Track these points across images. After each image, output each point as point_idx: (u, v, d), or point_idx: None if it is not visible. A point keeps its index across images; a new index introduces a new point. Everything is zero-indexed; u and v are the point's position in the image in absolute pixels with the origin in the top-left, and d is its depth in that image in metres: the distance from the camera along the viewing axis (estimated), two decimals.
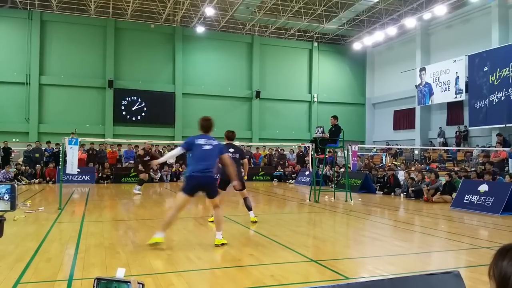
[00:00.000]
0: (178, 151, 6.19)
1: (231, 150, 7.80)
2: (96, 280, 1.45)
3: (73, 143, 10.25)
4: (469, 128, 21.47)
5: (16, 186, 2.27)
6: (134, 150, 20.08)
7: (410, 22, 22.83)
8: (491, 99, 19.81)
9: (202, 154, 5.79)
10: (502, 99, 19.25)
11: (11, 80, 22.70)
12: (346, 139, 12.68)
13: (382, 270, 4.85)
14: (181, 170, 20.25)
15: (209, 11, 22.57)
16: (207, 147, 5.83)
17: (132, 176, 18.73)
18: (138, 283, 1.43)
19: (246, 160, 8.28)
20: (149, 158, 14.32)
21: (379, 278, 4.12)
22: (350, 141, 19.41)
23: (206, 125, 6.01)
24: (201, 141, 5.85)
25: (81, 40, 24.09)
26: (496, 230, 7.87)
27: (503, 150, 15.95)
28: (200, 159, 5.79)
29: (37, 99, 22.98)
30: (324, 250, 6.04)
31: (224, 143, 7.79)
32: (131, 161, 19.75)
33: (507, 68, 18.99)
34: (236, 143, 24.82)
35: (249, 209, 8.11)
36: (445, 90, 22.66)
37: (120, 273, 1.46)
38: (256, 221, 7.99)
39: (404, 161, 21.68)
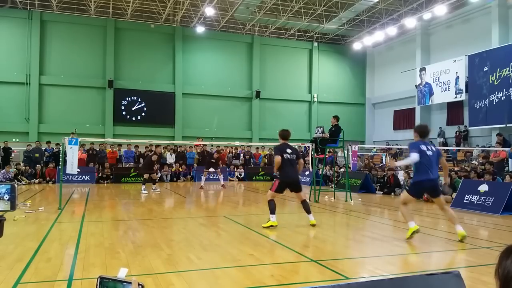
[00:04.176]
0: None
1: (289, 150, 7.54)
2: (99, 279, 1.45)
3: (73, 143, 10.25)
4: (469, 128, 21.47)
5: (16, 186, 2.27)
6: (134, 150, 20.11)
7: (410, 22, 22.83)
8: (491, 99, 19.81)
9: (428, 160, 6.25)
10: (503, 99, 19.25)
11: (11, 80, 22.72)
12: (346, 139, 12.68)
13: (382, 270, 4.85)
14: (180, 170, 20.27)
15: (209, 11, 22.57)
16: (429, 152, 6.27)
17: (132, 176, 18.75)
18: (139, 284, 1.43)
19: (301, 161, 7.93)
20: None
21: (379, 278, 4.12)
22: (350, 141, 19.41)
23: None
24: (423, 147, 6.26)
25: (81, 40, 24.09)
26: (496, 230, 7.87)
27: (502, 150, 15.93)
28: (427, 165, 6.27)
29: (37, 99, 22.99)
30: (324, 250, 6.04)
31: (280, 143, 7.70)
32: (132, 162, 19.79)
33: (507, 68, 18.99)
34: (237, 143, 24.71)
35: (308, 212, 7.70)
36: (445, 90, 22.66)
37: (122, 273, 1.46)
38: (314, 224, 7.61)
39: None
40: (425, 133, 6.45)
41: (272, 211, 7.40)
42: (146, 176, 14.55)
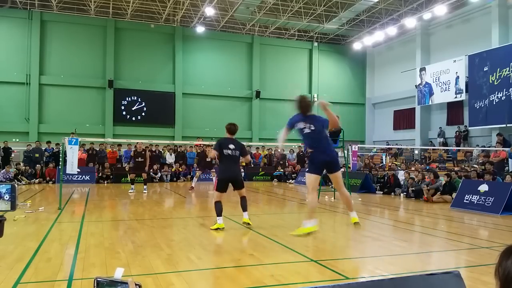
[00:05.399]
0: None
1: (231, 146, 7.21)
2: (95, 281, 1.45)
3: (73, 143, 10.25)
4: (469, 128, 21.47)
5: (16, 186, 2.26)
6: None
7: (410, 22, 22.84)
8: (491, 99, 19.81)
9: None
10: (503, 99, 19.25)
11: (11, 80, 22.71)
12: (346, 139, 12.68)
13: (382, 270, 4.85)
14: (180, 170, 20.24)
15: (209, 11, 22.57)
16: (307, 130, 6.10)
17: None
18: (136, 284, 1.43)
19: (248, 157, 7.84)
20: (142, 159, 14.04)
21: (379, 278, 4.12)
22: (350, 141, 19.40)
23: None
24: (300, 125, 6.15)
25: (81, 40, 24.09)
26: (496, 230, 7.87)
27: (502, 150, 15.94)
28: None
29: (37, 99, 22.98)
30: (324, 250, 6.04)
31: (224, 136, 7.47)
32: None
33: (507, 68, 18.99)
34: None
35: (244, 209, 7.45)
36: (445, 90, 22.67)
37: (118, 273, 1.46)
38: (249, 223, 7.34)
39: (404, 161, 21.68)
40: (301, 107, 6.23)
41: (219, 214, 7.11)
42: (132, 176, 14.48)
